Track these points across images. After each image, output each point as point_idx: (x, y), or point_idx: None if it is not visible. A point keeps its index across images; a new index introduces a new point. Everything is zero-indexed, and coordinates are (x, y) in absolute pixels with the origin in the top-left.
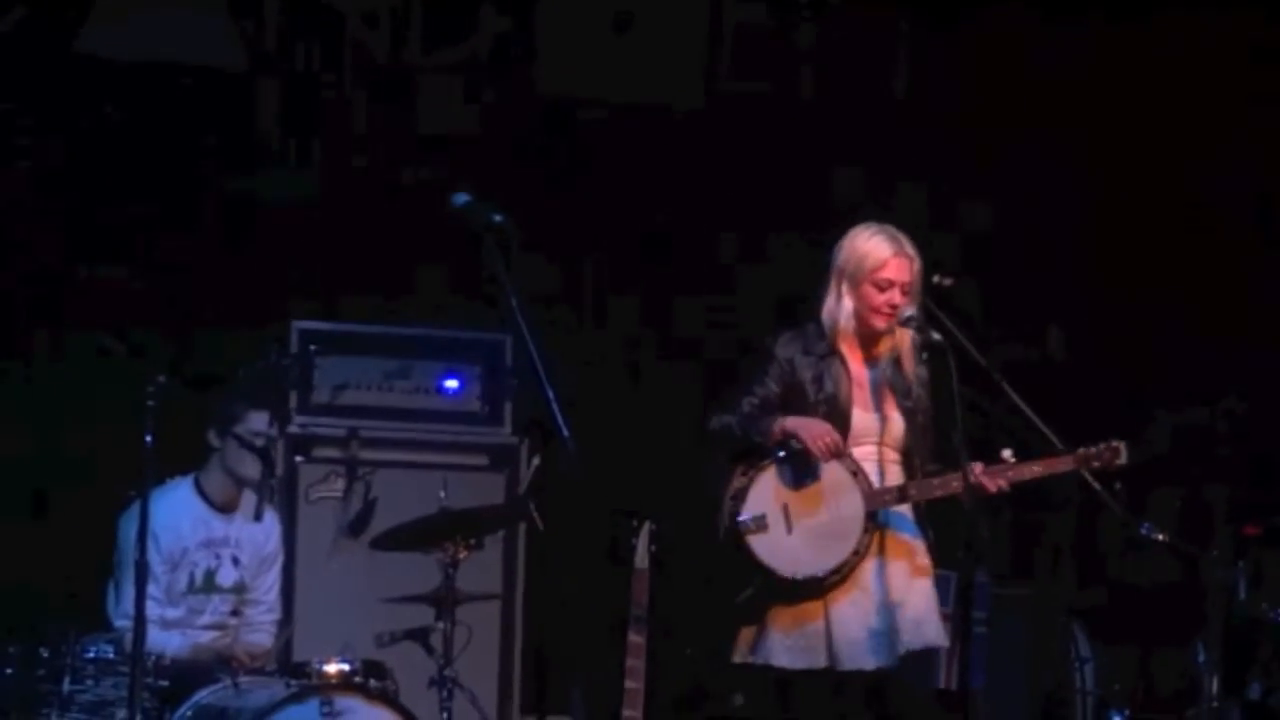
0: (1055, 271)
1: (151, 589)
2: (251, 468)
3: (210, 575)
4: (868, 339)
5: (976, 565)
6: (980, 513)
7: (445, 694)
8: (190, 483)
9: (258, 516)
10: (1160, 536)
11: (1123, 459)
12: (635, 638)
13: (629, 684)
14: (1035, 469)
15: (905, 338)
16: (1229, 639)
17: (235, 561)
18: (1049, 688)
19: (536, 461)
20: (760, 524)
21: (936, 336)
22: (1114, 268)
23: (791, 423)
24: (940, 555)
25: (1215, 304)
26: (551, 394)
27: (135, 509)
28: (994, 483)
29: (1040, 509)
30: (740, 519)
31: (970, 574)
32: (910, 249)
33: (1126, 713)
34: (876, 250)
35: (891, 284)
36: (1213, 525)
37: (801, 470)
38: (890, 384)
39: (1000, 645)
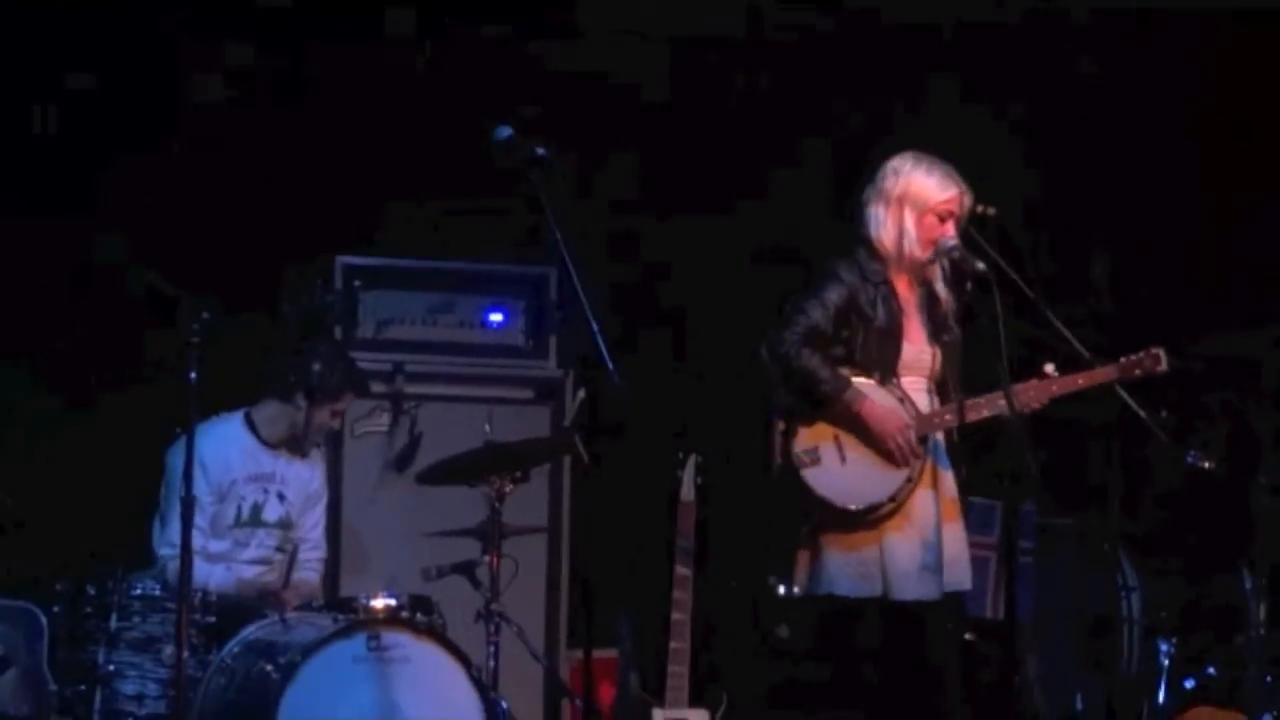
0: (1100, 199)
1: (198, 520)
2: (318, 433)
3: (257, 509)
4: (914, 269)
5: (1023, 495)
6: (1027, 442)
7: (492, 628)
8: (241, 417)
9: (304, 453)
10: (1207, 464)
11: (1164, 366)
12: (681, 570)
13: (675, 616)
14: (1079, 381)
15: (936, 269)
16: (1276, 567)
17: (281, 498)
18: (1095, 617)
19: (582, 394)
20: (814, 457)
21: (980, 265)
22: (1160, 193)
23: (868, 409)
24: (985, 485)
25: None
26: (596, 326)
27: (183, 443)
28: (1038, 398)
29: (1083, 437)
30: (795, 452)
31: (1016, 504)
32: (965, 184)
33: (1173, 640)
34: (942, 184)
35: (952, 216)
36: (1260, 453)
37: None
38: (930, 315)
39: (1046, 575)
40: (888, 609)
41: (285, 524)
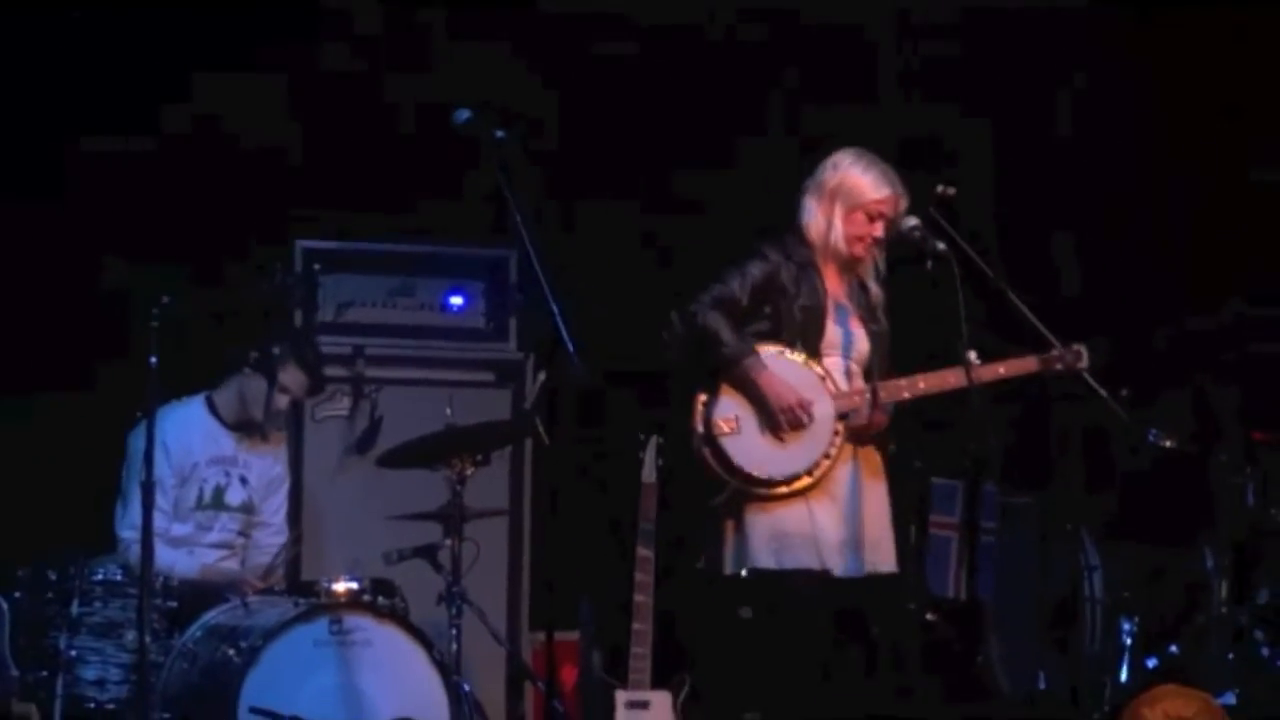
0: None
1: (161, 502)
2: (269, 410)
3: (219, 492)
4: (840, 261)
5: (983, 474)
6: (987, 422)
7: (454, 611)
8: (202, 400)
9: (264, 436)
10: (1167, 443)
11: (1084, 362)
12: (643, 551)
13: (637, 597)
14: (999, 370)
15: (868, 264)
16: (1237, 545)
17: (244, 481)
18: (1057, 596)
19: (542, 377)
20: (733, 426)
21: (941, 245)
22: (1119, 175)
23: (765, 378)
24: (947, 465)
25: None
26: (557, 308)
27: (143, 426)
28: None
29: (1045, 416)
30: (712, 420)
31: (978, 484)
32: (901, 186)
33: (1135, 620)
34: (876, 184)
35: (882, 217)
36: (1220, 431)
37: (779, 371)
38: (858, 304)
39: (1008, 554)
40: (819, 580)
41: (248, 508)
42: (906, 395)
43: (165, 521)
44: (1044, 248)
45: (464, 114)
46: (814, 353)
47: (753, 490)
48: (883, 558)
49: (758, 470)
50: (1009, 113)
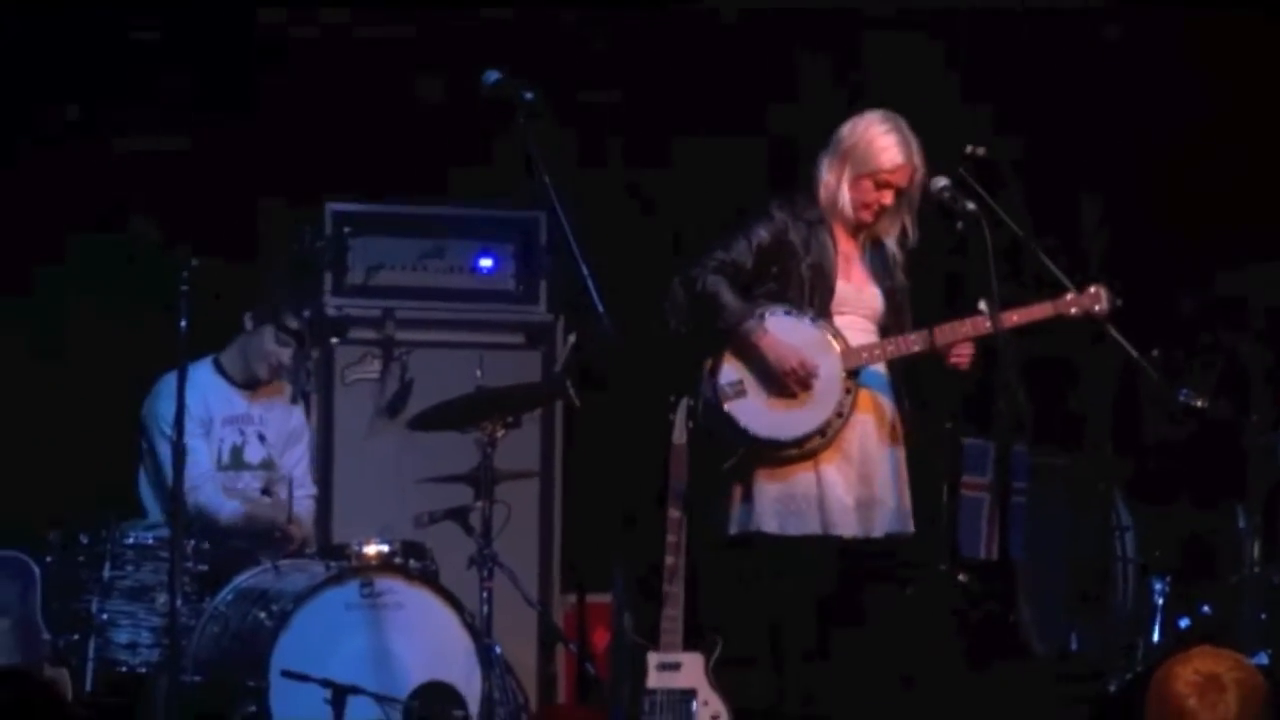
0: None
1: (202, 447)
2: (264, 360)
3: (238, 451)
4: (847, 224)
5: (1015, 435)
6: (1018, 382)
7: (485, 573)
8: (209, 362)
9: (294, 400)
10: (1198, 403)
11: (1103, 305)
12: (674, 513)
13: (669, 559)
14: (1013, 317)
15: (893, 224)
16: (1269, 504)
17: (261, 439)
18: (1089, 557)
19: (572, 338)
20: (738, 389)
21: (970, 205)
22: (1149, 135)
23: (765, 341)
24: (978, 426)
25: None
26: (586, 270)
27: (161, 388)
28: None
29: (1076, 377)
30: (718, 385)
31: (1009, 444)
32: (919, 158)
33: (1167, 579)
34: (888, 152)
35: (890, 186)
36: (1251, 391)
37: (783, 332)
38: (871, 262)
39: (1040, 515)
40: (833, 545)
41: (267, 464)
42: (915, 349)
43: (209, 461)
44: (1072, 209)
45: (493, 75)
46: (824, 311)
47: (762, 453)
48: (899, 518)
49: (766, 433)
50: (1038, 72)
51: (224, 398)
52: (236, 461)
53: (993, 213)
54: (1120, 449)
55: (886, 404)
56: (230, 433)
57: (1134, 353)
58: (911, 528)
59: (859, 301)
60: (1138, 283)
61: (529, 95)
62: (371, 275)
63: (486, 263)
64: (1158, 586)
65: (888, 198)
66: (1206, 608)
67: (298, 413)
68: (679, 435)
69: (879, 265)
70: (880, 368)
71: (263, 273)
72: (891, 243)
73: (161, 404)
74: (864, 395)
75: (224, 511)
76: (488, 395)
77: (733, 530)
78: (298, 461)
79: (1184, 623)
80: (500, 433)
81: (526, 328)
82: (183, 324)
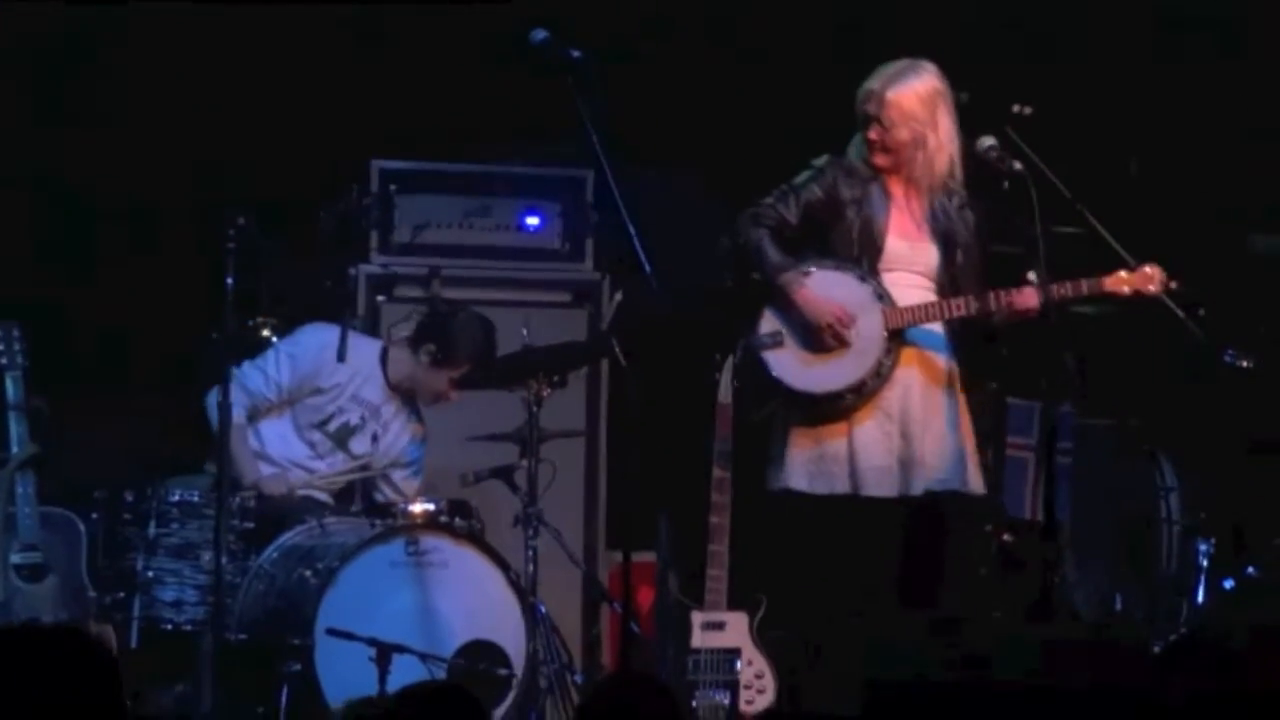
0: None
1: (288, 421)
2: (429, 394)
3: (346, 431)
4: (871, 170)
5: (1061, 396)
6: (1065, 344)
7: (530, 532)
8: (379, 348)
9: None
10: (1245, 363)
11: (1156, 285)
12: (720, 472)
13: (713, 519)
14: (1065, 290)
15: (952, 177)
16: None
17: (375, 439)
18: (1134, 518)
19: (619, 297)
20: (776, 340)
21: (1017, 165)
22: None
23: (802, 295)
24: (1023, 386)
25: None
26: (633, 229)
27: (307, 335)
28: (1025, 303)
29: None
30: (757, 335)
31: (1055, 405)
32: (891, 83)
33: (1212, 541)
34: (865, 84)
35: (869, 120)
36: None
37: (825, 287)
38: (931, 217)
39: (1085, 476)
40: (862, 505)
41: (365, 466)
42: (959, 313)
43: (271, 390)
44: (1121, 171)
45: (540, 34)
46: (873, 269)
47: (796, 407)
48: (944, 474)
49: (799, 385)
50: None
51: (367, 379)
52: (340, 440)
53: (1041, 174)
54: (1164, 409)
55: (941, 360)
56: (353, 413)
57: (1180, 312)
58: (972, 485)
59: (912, 258)
60: (1179, 241)
61: (577, 54)
62: (418, 233)
63: (533, 220)
64: (1202, 548)
65: (874, 133)
66: (1251, 569)
67: (423, 449)
68: (724, 394)
69: (941, 221)
70: (936, 325)
71: (454, 311)
72: (951, 202)
73: (292, 345)
74: (910, 353)
75: (247, 467)
76: (533, 354)
77: (771, 487)
78: (405, 479)
79: (1228, 584)
80: (546, 391)
81: (573, 286)
82: (229, 281)
